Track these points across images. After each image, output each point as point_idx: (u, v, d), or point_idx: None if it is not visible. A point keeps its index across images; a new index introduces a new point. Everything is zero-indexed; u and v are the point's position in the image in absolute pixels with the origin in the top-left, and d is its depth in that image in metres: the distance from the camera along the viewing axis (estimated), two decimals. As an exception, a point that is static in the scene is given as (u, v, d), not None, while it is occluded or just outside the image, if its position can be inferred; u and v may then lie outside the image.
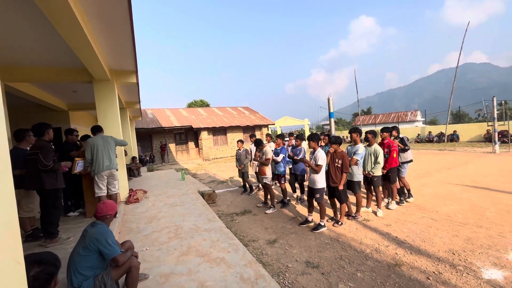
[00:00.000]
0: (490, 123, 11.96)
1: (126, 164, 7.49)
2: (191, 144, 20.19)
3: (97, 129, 4.47)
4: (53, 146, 3.58)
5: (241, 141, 6.96)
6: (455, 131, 17.30)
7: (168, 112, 21.59)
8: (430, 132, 18.94)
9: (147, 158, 16.72)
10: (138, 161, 10.63)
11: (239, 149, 6.90)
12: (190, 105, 38.48)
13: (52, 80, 4.97)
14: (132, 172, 9.35)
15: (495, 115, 11.20)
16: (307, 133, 27.15)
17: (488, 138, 14.86)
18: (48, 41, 3.77)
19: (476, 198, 5.11)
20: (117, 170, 4.53)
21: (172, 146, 19.31)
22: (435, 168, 8.56)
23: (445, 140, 17.36)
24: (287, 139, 7.35)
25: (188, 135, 20.05)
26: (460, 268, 2.78)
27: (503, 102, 14.84)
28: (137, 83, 6.12)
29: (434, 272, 2.75)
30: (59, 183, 3.42)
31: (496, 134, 11.23)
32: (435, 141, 17.94)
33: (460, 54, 17.84)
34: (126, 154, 7.78)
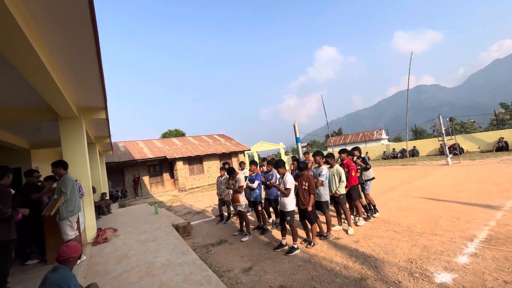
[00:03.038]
0: (440, 138, 13.37)
1: (95, 202, 7.13)
2: (166, 176, 19.62)
3: (66, 166, 4.09)
4: (12, 191, 3.40)
5: (224, 168, 6.68)
6: (414, 147, 18.91)
7: (141, 144, 21.07)
8: (394, 149, 20.47)
9: (119, 193, 15.85)
10: (108, 198, 10.08)
11: (220, 176, 6.76)
12: (164, 135, 37.87)
13: (15, 121, 4.83)
14: (101, 209, 8.82)
15: (443, 131, 12.61)
16: (283, 157, 27.78)
17: (441, 152, 16.46)
18: (10, 82, 3.77)
19: (432, 208, 5.62)
20: None
21: (146, 179, 18.60)
22: (398, 183, 9.24)
23: (407, 156, 18.84)
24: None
25: (162, 166, 19.55)
26: (417, 275, 3.04)
27: (448, 119, 16.77)
28: (107, 119, 6.11)
29: (394, 282, 2.97)
30: (11, 233, 3.17)
31: (447, 148, 12.53)
32: (399, 157, 19.37)
33: (408, 79, 20.19)
34: (94, 191, 7.44)
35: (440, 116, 12.75)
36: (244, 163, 7.42)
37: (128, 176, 18.04)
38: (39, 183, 4.79)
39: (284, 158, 27.00)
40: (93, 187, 6.47)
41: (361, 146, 27.35)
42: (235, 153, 21.89)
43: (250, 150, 24.04)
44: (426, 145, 18.71)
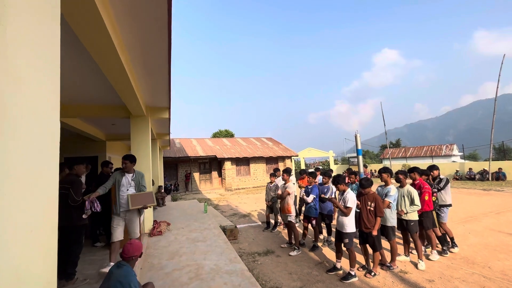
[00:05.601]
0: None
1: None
2: (215, 174, 20.46)
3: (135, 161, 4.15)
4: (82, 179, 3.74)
5: (274, 175, 6.52)
6: (500, 169, 15.65)
7: (195, 142, 22.49)
8: (470, 169, 17.34)
9: (172, 186, 17.13)
10: (163, 190, 10.91)
11: (270, 182, 6.58)
12: (215, 135, 39.84)
13: (97, 115, 5.50)
14: (157, 201, 9.56)
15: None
16: (332, 166, 26.32)
17: (542, 178, 13.20)
18: (96, 82, 4.24)
19: (538, 253, 4.38)
20: None
21: (196, 175, 19.72)
22: (481, 212, 7.64)
23: (489, 179, 15.71)
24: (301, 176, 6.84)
25: (212, 164, 20.45)
26: None
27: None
28: (169, 118, 6.54)
29: None
30: (84, 219, 3.39)
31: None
32: (477, 179, 16.32)
33: (498, 86, 16.89)
34: (153, 184, 8.06)
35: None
36: (290, 170, 6.95)
37: (181, 171, 19.39)
38: (111, 173, 5.34)
39: (333, 167, 25.54)
40: (152, 180, 7.00)
41: (426, 162, 24.14)
42: (282, 158, 21.58)
43: (297, 156, 23.43)
44: (516, 168, 15.33)
